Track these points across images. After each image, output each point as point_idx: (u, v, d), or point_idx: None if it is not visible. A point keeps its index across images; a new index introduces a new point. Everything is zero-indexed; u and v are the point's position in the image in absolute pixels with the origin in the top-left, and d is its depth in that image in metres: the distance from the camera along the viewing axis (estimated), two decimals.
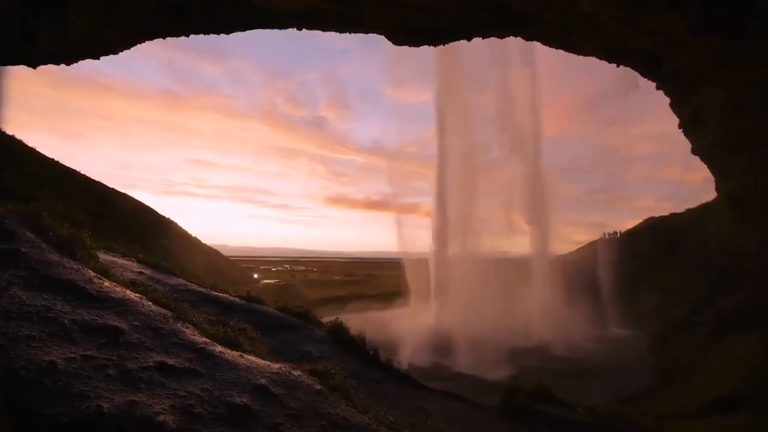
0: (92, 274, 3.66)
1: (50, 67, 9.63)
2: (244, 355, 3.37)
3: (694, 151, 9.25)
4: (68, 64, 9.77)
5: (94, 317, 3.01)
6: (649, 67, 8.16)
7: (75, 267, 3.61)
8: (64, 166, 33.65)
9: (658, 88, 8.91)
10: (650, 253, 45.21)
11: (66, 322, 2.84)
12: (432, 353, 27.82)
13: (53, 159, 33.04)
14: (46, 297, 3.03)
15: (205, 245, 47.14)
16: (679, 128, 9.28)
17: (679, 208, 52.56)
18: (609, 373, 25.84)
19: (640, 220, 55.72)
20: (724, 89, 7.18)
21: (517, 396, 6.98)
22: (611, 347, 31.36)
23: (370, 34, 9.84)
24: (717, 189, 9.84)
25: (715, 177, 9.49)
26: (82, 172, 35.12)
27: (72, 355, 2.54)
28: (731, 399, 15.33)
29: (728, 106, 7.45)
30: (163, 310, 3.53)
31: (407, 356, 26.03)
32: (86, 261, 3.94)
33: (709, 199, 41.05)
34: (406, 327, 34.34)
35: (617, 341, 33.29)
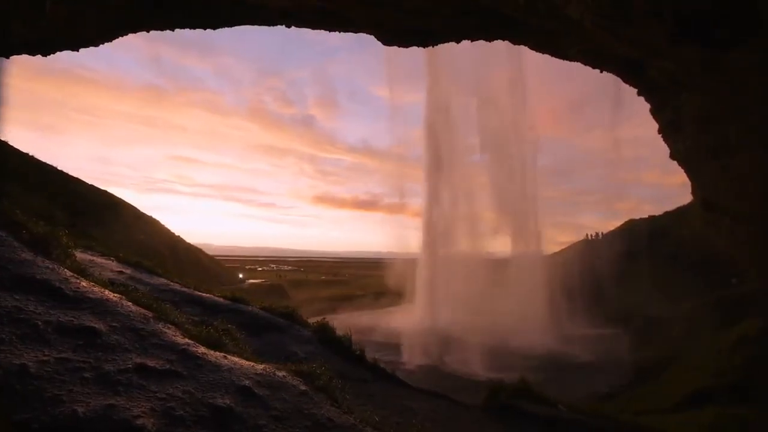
0: (68, 273, 3.53)
1: (25, 57, 9.25)
2: (228, 356, 3.31)
3: (673, 156, 9.59)
4: (45, 55, 9.40)
5: (70, 318, 2.90)
6: (631, 73, 8.41)
7: (50, 266, 3.47)
8: (40, 161, 32.32)
9: (639, 93, 9.19)
10: (630, 254, 46.75)
11: (39, 323, 2.72)
12: (421, 353, 28.05)
13: (28, 154, 31.72)
14: (17, 297, 2.90)
15: (189, 244, 46.08)
16: (659, 133, 9.60)
17: (658, 211, 54.67)
18: (590, 370, 26.53)
19: (621, 222, 57.54)
20: (701, 97, 7.46)
21: (500, 394, 7.08)
22: (593, 345, 32.20)
23: (361, 34, 9.82)
24: (693, 193, 10.24)
25: (691, 181, 9.87)
26: (60, 168, 33.86)
27: (45, 358, 2.44)
28: (705, 393, 15.98)
29: (705, 113, 7.75)
30: (143, 311, 3.43)
31: (395, 355, 26.15)
32: (62, 260, 3.79)
33: (686, 202, 42.71)
34: (395, 327, 34.49)
35: (598, 339, 34.21)
